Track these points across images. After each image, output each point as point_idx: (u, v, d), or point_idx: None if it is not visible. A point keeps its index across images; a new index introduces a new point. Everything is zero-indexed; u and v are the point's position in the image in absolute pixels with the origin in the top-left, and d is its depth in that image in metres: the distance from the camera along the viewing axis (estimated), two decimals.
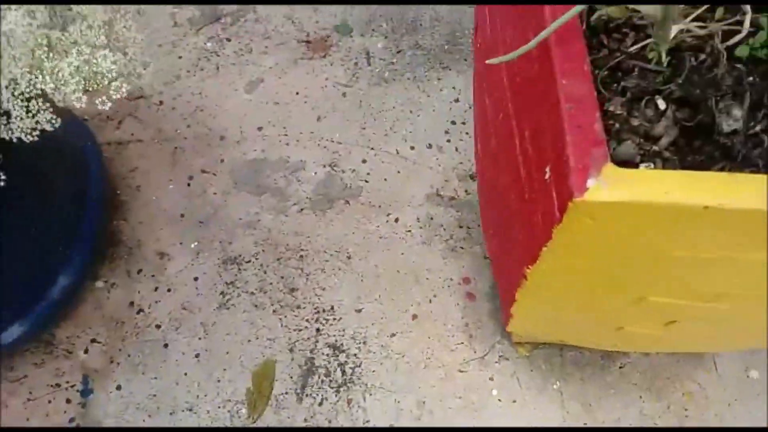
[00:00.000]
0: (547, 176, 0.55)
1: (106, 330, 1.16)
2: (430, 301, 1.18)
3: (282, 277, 1.21)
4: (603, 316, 0.78)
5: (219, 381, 1.12)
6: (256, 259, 1.23)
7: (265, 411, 1.09)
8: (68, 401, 1.10)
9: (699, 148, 0.57)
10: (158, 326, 1.16)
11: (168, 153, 1.33)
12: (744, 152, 0.55)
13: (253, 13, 1.50)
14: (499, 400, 1.10)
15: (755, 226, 0.49)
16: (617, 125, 0.57)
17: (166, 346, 1.15)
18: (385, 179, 1.30)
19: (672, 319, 0.69)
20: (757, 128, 0.56)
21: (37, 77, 0.64)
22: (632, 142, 0.55)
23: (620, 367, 1.11)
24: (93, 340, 1.15)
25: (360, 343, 1.15)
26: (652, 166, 0.55)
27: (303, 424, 1.08)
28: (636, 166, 0.56)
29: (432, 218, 1.26)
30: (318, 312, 1.18)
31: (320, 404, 1.10)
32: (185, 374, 1.12)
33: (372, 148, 1.34)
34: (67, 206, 1.12)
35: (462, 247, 1.23)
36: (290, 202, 1.28)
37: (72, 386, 1.11)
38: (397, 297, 1.19)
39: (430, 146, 1.34)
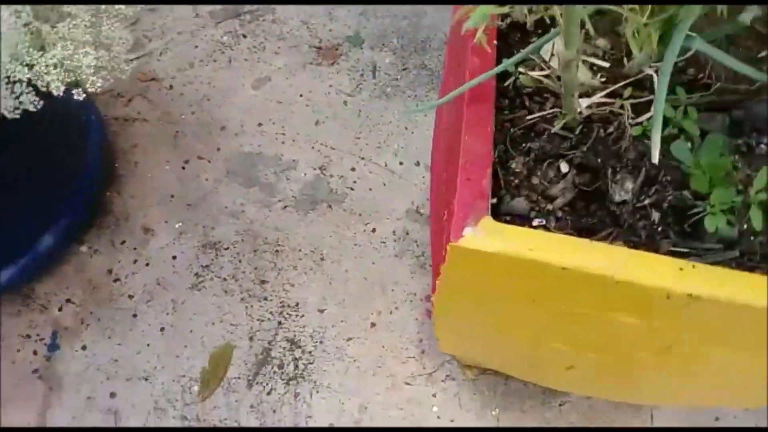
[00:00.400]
0: (445, 217, 0.60)
1: (83, 292, 1.23)
2: (391, 312, 1.23)
3: (255, 268, 1.27)
4: (512, 351, 0.82)
5: (178, 357, 1.18)
6: (234, 247, 1.29)
7: (215, 391, 1.15)
8: (35, 353, 1.17)
9: (594, 212, 0.62)
10: (131, 296, 1.23)
11: (169, 135, 1.40)
12: (630, 222, 0.59)
13: (271, 14, 1.56)
14: (438, 417, 1.14)
15: (612, 291, 0.54)
16: (517, 181, 0.62)
17: (135, 316, 1.21)
18: (370, 189, 1.36)
19: (569, 364, 0.73)
20: (646, 202, 0.60)
21: (16, 68, 0.72)
22: (526, 199, 0.60)
23: (560, 405, 1.14)
24: (68, 300, 1.22)
25: (317, 341, 1.20)
26: (544, 222, 0.60)
27: (249, 410, 1.13)
28: (530, 221, 0.60)
29: (408, 233, 1.31)
30: (283, 306, 1.23)
31: (268, 393, 1.15)
32: (148, 345, 1.19)
33: (362, 158, 1.39)
34: (63, 172, 1.20)
35: (431, 265, 1.27)
36: (276, 198, 1.34)
37: (41, 339, 1.19)
38: (361, 303, 1.24)
39: (418, 164, 1.38)
